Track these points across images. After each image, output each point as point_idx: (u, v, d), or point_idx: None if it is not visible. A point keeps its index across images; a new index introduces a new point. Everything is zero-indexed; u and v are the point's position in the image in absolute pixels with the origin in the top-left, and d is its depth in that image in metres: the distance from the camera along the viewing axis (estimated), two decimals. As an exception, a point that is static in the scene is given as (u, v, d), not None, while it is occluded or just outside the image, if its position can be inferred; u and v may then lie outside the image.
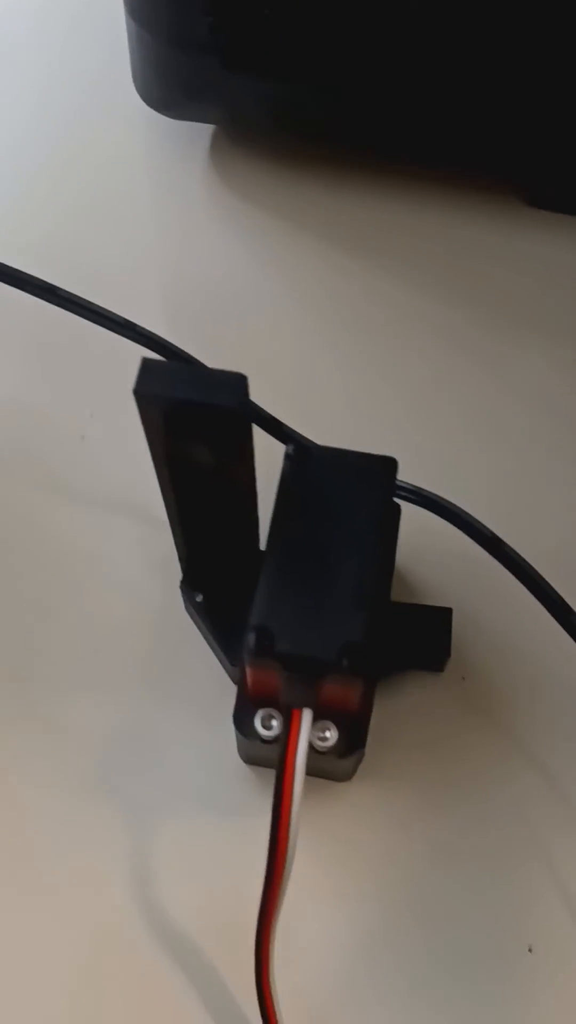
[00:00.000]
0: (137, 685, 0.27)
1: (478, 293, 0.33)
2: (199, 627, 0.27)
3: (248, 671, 0.22)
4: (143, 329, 0.23)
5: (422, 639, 0.27)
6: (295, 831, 0.20)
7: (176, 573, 0.26)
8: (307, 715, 0.20)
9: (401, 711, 0.27)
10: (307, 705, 0.21)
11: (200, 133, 0.35)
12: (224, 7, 0.29)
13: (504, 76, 0.29)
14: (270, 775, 0.26)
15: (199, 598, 0.26)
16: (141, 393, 0.19)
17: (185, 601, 0.27)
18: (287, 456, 0.22)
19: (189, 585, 0.26)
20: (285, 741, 0.20)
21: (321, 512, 0.21)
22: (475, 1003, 0.24)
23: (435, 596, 0.28)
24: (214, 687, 0.27)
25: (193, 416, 0.19)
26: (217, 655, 0.27)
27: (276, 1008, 0.22)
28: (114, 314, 0.23)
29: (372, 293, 0.33)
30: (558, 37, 0.27)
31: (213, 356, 0.28)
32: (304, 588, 0.21)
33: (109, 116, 0.36)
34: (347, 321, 0.32)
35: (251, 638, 0.20)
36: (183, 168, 0.35)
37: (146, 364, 0.19)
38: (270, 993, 0.22)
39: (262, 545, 0.26)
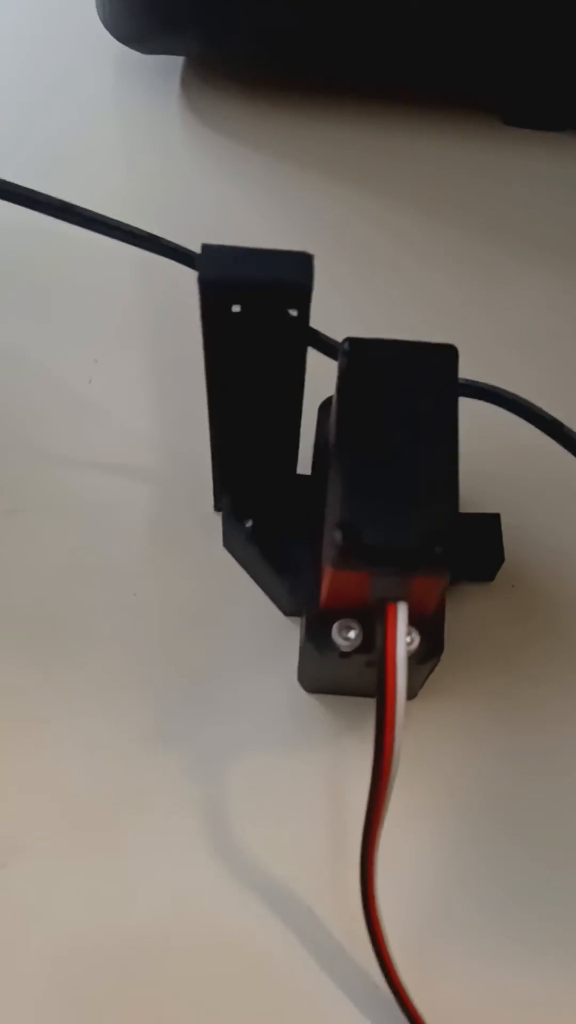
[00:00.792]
0: (183, 629, 0.26)
1: (466, 209, 0.33)
2: (244, 559, 0.26)
3: (328, 575, 0.21)
4: (167, 241, 0.22)
5: (472, 548, 0.26)
6: (400, 732, 0.19)
7: (206, 511, 0.25)
8: (403, 608, 0.20)
9: (455, 624, 0.26)
10: (401, 599, 0.20)
11: (170, 69, 0.34)
12: None
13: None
14: (336, 702, 0.26)
15: (248, 524, 0.25)
16: (207, 280, 0.18)
17: (227, 534, 0.26)
18: (342, 352, 0.21)
19: (235, 514, 0.25)
20: (384, 638, 0.19)
21: (387, 404, 0.21)
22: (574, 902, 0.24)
23: (477, 504, 0.27)
24: (264, 623, 0.26)
25: (260, 298, 0.18)
26: (266, 587, 0.26)
27: (383, 928, 0.21)
28: (137, 228, 0.22)
29: (363, 215, 0.32)
30: None
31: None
32: (383, 482, 0.20)
33: (79, 54, 0.34)
34: (343, 243, 0.32)
35: (337, 535, 0.19)
36: (156, 104, 0.34)
37: (206, 249, 0.18)
38: (376, 913, 0.21)
39: (301, 468, 0.25)
